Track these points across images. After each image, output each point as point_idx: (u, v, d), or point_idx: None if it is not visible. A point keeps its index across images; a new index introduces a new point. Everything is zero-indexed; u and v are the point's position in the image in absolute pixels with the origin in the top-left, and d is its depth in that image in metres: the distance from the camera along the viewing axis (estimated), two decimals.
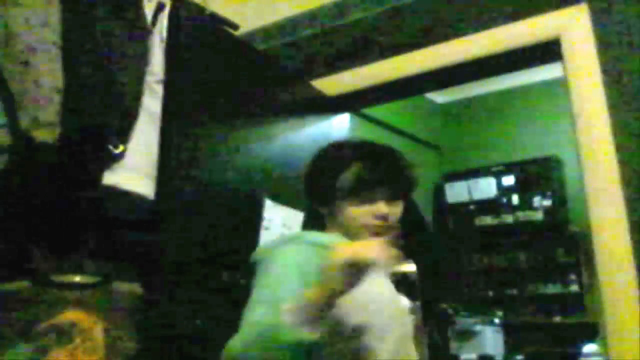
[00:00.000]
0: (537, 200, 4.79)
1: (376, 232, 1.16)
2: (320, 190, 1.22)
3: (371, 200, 1.16)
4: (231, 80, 1.59)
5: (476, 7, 1.87)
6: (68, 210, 1.14)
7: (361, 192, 1.15)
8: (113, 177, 1.19)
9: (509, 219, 4.90)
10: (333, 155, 1.23)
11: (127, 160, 1.21)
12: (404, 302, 1.22)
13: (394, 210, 1.18)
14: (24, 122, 1.09)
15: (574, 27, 1.66)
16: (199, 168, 1.43)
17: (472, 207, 5.05)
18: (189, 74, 1.41)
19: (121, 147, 1.20)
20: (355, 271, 0.89)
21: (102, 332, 1.14)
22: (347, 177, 1.15)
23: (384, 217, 1.16)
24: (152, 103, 1.30)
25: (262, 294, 1.06)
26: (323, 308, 0.92)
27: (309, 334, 0.91)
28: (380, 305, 1.10)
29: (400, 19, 2.02)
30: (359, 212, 1.16)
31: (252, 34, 2.21)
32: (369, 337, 1.05)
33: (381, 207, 1.16)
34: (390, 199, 1.17)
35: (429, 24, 1.96)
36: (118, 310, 1.19)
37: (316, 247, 1.12)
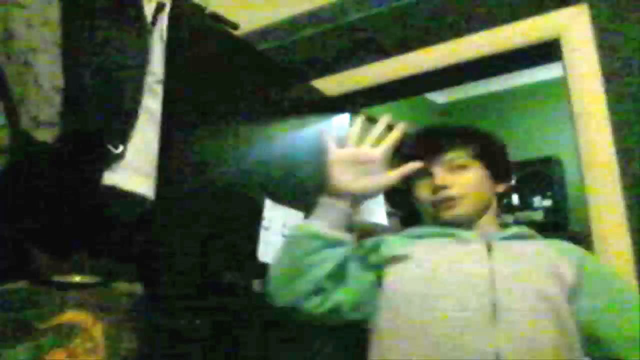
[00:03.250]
0: (537, 200, 4.79)
1: (440, 208, 1.10)
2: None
3: (426, 173, 1.11)
4: (231, 80, 1.59)
5: (476, 7, 1.87)
6: (68, 210, 1.14)
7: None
8: (113, 177, 1.19)
9: (509, 219, 4.89)
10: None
11: (127, 160, 1.21)
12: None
13: (458, 179, 1.11)
14: (24, 122, 1.09)
15: (574, 27, 1.66)
16: (198, 168, 1.43)
17: None
18: (189, 73, 1.41)
19: (121, 147, 1.20)
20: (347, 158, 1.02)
21: (102, 332, 1.14)
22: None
23: (442, 188, 1.10)
24: (152, 103, 1.30)
25: None
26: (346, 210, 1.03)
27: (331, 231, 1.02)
28: (434, 274, 1.02)
29: (401, 19, 2.02)
30: (420, 189, 1.14)
31: (252, 34, 2.21)
32: (419, 305, 0.98)
33: (437, 178, 1.10)
34: (448, 167, 1.12)
35: (429, 24, 1.96)
36: (118, 310, 1.19)
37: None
